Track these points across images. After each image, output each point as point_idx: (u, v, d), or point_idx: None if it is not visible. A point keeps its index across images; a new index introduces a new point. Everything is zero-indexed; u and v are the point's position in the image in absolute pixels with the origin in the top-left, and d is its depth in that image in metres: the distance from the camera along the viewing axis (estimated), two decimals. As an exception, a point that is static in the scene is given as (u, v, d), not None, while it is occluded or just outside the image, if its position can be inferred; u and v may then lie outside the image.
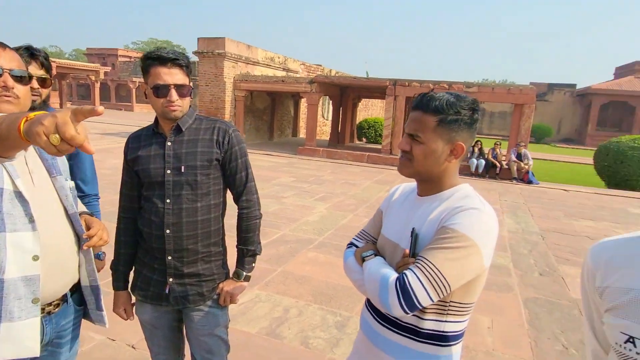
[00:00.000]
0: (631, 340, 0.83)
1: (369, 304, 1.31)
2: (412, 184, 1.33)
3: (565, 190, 10.81)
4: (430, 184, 1.22)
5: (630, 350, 0.83)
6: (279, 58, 17.88)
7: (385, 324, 1.22)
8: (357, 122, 20.51)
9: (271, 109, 18.07)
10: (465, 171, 12.31)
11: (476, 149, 12.51)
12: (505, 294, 4.06)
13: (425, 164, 1.17)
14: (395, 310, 1.08)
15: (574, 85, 36.34)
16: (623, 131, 28.87)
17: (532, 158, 12.21)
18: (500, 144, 12.73)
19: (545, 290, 4.24)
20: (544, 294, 4.13)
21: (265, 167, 11.25)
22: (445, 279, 1.06)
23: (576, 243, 5.96)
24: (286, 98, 19.09)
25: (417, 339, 1.17)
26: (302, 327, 3.20)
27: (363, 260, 1.24)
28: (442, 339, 1.17)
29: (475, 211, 1.11)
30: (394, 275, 1.11)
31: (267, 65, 17.00)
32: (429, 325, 1.16)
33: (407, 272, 1.08)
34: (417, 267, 1.07)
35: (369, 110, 26.03)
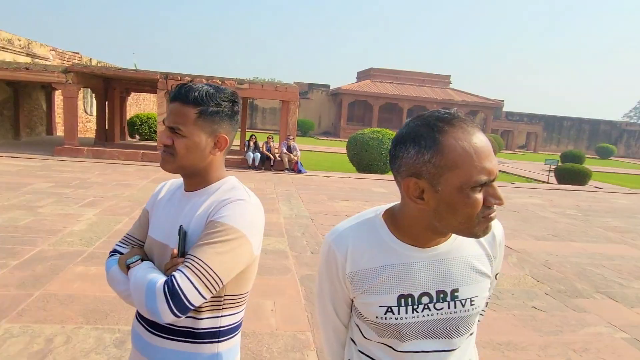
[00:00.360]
0: (390, 309, 0.97)
1: (140, 315, 1.22)
2: (179, 179, 1.28)
3: (327, 176, 12.45)
4: (196, 178, 1.19)
5: (390, 318, 0.97)
6: (19, 40, 14.81)
7: (159, 333, 1.15)
8: (128, 117, 18.84)
9: (14, 102, 14.89)
10: (243, 164, 12.82)
11: (251, 143, 13.17)
12: (285, 276, 4.45)
13: (189, 158, 1.14)
14: (166, 316, 1.02)
15: (328, 86, 42.02)
16: (366, 125, 35.01)
17: (300, 150, 13.61)
18: (272, 138, 13.74)
19: (316, 266, 4.80)
20: (315, 270, 4.68)
21: (12, 172, 9.23)
22: (216, 274, 1.05)
23: (337, 221, 6.92)
24: (34, 89, 16.02)
25: (195, 340, 1.14)
26: (73, 354, 2.79)
27: (128, 267, 1.14)
28: (220, 334, 1.16)
29: (242, 202, 1.12)
30: (161, 279, 1.05)
31: (4, 48, 13.87)
32: (206, 323, 1.14)
33: (176, 273, 1.04)
34: (186, 266, 1.04)
35: (141, 105, 24.24)
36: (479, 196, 0.85)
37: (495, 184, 0.88)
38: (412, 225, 0.96)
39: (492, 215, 0.88)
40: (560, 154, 27.52)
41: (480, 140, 0.86)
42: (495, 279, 1.14)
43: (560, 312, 4.01)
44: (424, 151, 0.85)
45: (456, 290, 0.98)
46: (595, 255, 6.04)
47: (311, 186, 10.51)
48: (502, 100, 42.90)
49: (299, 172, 12.77)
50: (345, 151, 15.63)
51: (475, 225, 0.88)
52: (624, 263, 5.78)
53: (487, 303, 1.20)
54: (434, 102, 39.16)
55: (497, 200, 0.87)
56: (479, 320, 1.19)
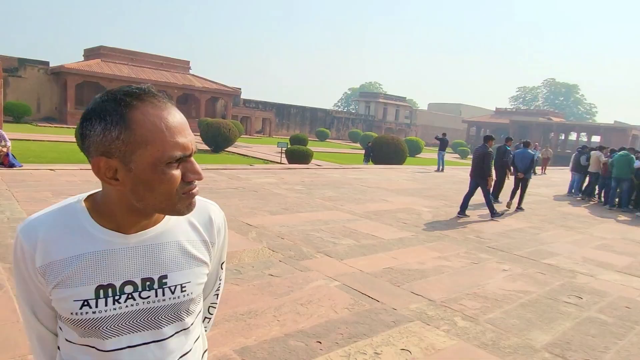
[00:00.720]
0: (86, 303, 0.87)
1: None
2: None
3: (52, 170, 10.66)
4: None
5: (87, 313, 0.87)
6: None
7: None
8: None
9: None
10: None
11: None
12: (-5, 295, 3.65)
13: None
14: None
15: (47, 63, 35.45)
16: (100, 109, 31.33)
17: (11, 139, 11.16)
18: (-34, 125, 10.78)
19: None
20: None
21: None
22: None
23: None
24: None
25: None
26: None
27: None
28: None
29: None
30: None
31: None
32: None
33: None
34: None
35: None
36: (176, 172, 0.84)
37: (194, 159, 0.88)
38: (113, 209, 0.89)
39: (194, 190, 0.88)
40: (289, 137, 31.40)
41: (172, 115, 0.84)
42: (222, 268, 1.15)
43: (291, 275, 4.68)
44: (111, 127, 0.81)
45: (165, 276, 0.94)
46: (316, 222, 7.26)
47: (29, 182, 8.80)
48: (240, 88, 45.62)
49: (12, 166, 10.47)
50: (74, 140, 13.68)
51: (177, 202, 0.86)
52: (335, 225, 7.16)
53: (217, 295, 1.19)
54: (175, 87, 38.49)
55: (195, 175, 0.86)
56: (208, 317, 1.20)
